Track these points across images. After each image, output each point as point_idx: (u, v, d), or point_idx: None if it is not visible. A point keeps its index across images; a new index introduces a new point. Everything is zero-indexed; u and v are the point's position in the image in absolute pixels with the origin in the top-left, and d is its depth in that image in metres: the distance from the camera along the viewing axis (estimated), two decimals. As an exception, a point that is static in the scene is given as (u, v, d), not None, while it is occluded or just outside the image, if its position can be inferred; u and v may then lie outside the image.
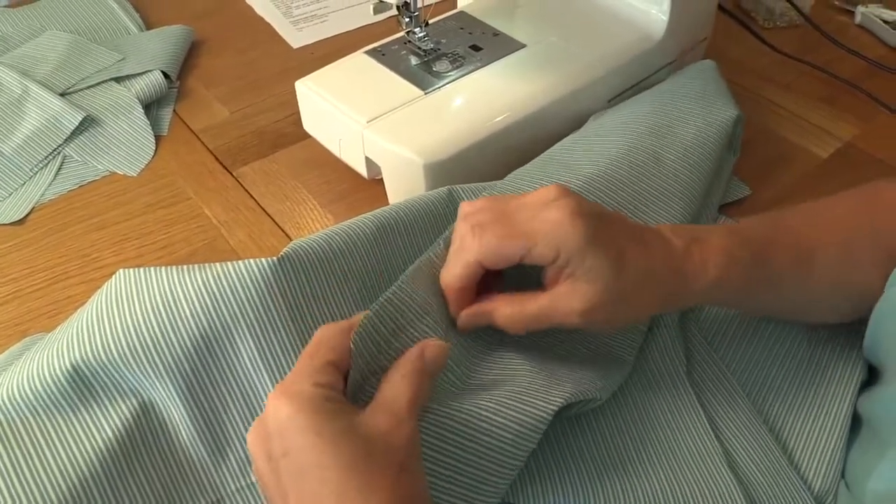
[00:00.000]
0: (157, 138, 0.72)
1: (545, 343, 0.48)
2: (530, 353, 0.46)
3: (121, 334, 0.40)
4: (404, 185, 0.59)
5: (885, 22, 0.85)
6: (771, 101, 0.75)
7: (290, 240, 0.61)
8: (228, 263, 0.42)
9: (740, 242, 0.46)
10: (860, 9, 0.87)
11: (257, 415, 0.42)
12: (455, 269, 0.43)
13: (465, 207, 0.45)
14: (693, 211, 0.55)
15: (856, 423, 0.49)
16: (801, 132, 0.72)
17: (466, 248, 0.43)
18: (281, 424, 0.33)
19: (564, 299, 0.41)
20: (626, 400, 0.48)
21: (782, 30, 0.85)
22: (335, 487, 0.32)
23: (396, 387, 0.36)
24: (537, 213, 0.42)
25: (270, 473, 0.34)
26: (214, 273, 0.41)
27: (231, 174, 0.68)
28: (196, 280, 0.41)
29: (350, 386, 0.37)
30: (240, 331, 0.41)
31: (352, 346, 0.37)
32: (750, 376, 0.51)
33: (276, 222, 0.63)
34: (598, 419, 0.46)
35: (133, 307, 0.41)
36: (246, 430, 0.42)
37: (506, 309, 0.43)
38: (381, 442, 0.34)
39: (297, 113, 0.67)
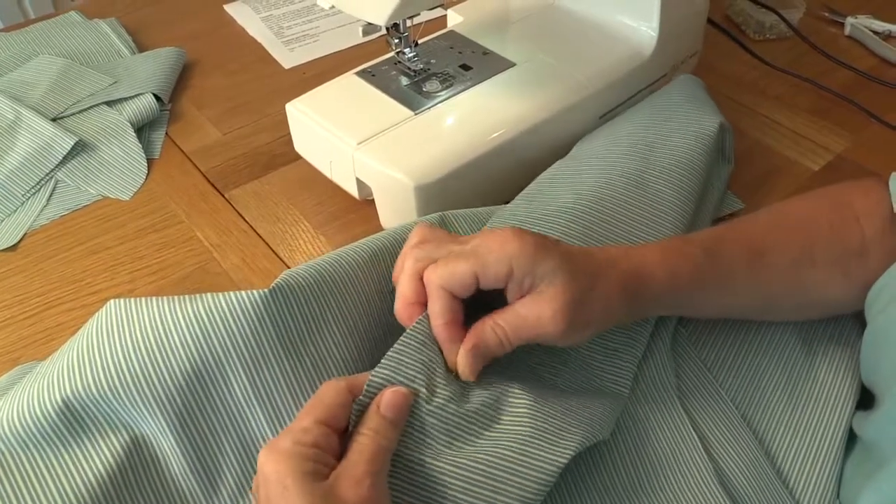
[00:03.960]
0: (150, 161, 0.72)
1: (546, 379, 0.47)
2: (533, 391, 0.44)
3: (111, 368, 0.40)
4: (395, 206, 0.59)
5: (875, 33, 0.86)
6: (762, 114, 0.75)
7: (283, 262, 0.62)
8: (220, 295, 0.42)
9: (689, 241, 0.48)
10: (850, 20, 0.87)
11: (248, 446, 0.42)
12: (434, 318, 0.42)
13: (412, 240, 0.45)
14: (682, 229, 0.55)
15: (851, 441, 0.49)
16: (793, 145, 0.72)
17: (426, 283, 0.42)
18: (265, 477, 0.36)
19: (533, 307, 0.41)
20: (617, 427, 0.48)
21: (772, 42, 0.86)
22: None
23: (356, 446, 0.37)
24: (482, 240, 0.42)
25: None
26: (206, 305, 0.41)
27: (223, 196, 0.68)
28: (187, 312, 0.41)
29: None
30: (231, 363, 0.41)
31: (353, 410, 0.38)
32: (745, 396, 0.51)
33: (268, 244, 0.63)
34: (590, 448, 0.46)
35: (124, 339, 0.40)
36: (238, 463, 0.42)
37: (484, 331, 0.42)
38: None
39: (289, 134, 0.67)
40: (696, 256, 0.47)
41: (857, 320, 0.55)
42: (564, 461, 0.40)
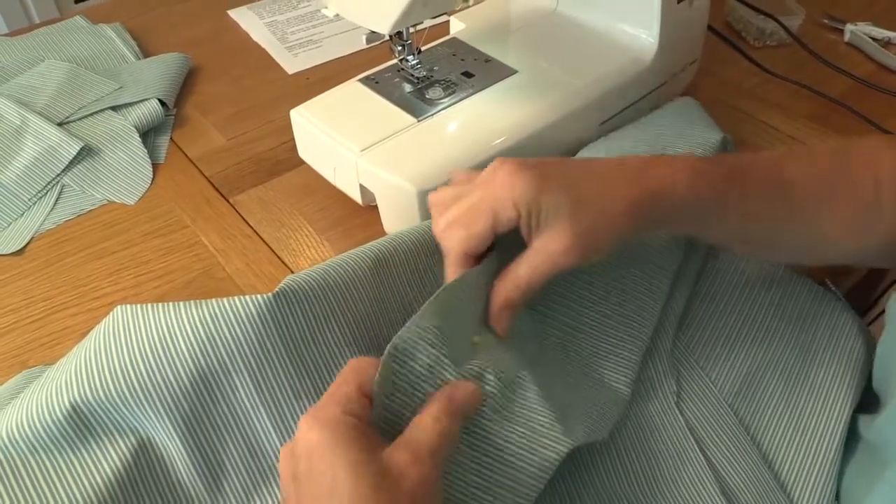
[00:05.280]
0: (155, 166, 0.72)
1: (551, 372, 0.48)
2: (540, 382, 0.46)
3: (118, 373, 0.41)
4: (398, 212, 0.60)
5: (875, 39, 0.86)
6: (761, 121, 0.76)
7: (287, 267, 0.62)
8: (225, 300, 0.42)
9: (710, 161, 0.48)
10: (849, 27, 0.88)
11: (254, 451, 0.43)
12: (450, 270, 0.46)
13: (432, 199, 0.48)
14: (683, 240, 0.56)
15: (852, 443, 0.50)
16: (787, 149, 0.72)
17: (447, 248, 0.46)
18: (308, 447, 0.35)
19: (544, 247, 0.43)
20: (617, 432, 0.48)
21: (772, 49, 0.86)
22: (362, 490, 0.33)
23: (424, 428, 0.37)
24: (487, 188, 0.45)
25: (294, 493, 0.35)
26: (211, 310, 0.42)
27: (228, 202, 0.69)
28: (193, 317, 0.41)
29: (374, 419, 0.38)
30: (237, 368, 0.42)
31: (374, 383, 0.38)
32: (743, 401, 0.51)
33: (272, 249, 0.64)
34: (586, 451, 0.47)
35: (130, 345, 0.41)
36: (244, 466, 0.43)
37: (506, 287, 0.45)
38: (394, 478, 0.34)
39: (293, 139, 0.68)
40: (718, 180, 0.47)
41: (855, 325, 0.56)
42: (565, 451, 0.41)
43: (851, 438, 0.50)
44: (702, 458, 0.47)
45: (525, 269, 0.44)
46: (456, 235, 0.45)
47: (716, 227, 0.49)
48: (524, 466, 0.40)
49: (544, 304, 0.52)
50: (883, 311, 0.87)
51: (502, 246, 0.46)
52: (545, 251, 0.43)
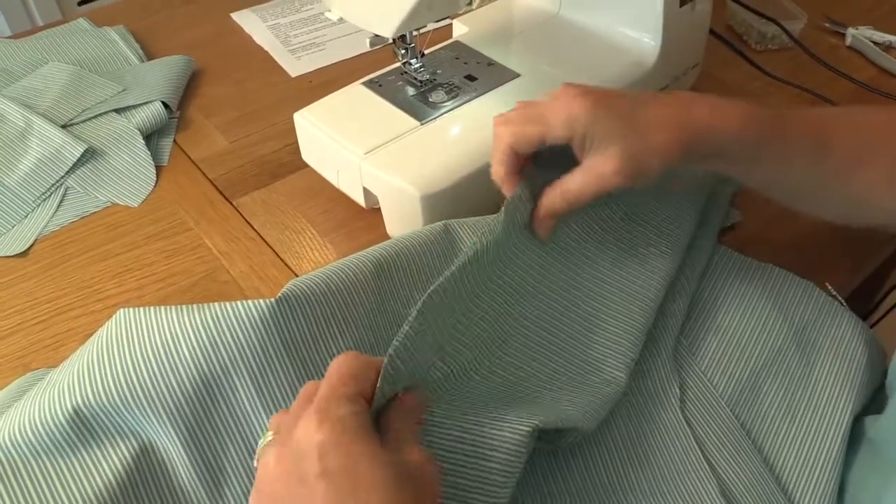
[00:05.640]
0: (158, 169, 0.73)
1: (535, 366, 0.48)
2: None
3: (121, 377, 0.41)
4: (402, 216, 0.60)
5: (876, 44, 0.86)
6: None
7: (290, 269, 0.62)
8: (227, 304, 0.42)
9: (762, 108, 0.50)
10: (851, 31, 0.88)
11: (255, 455, 0.42)
12: (494, 158, 0.50)
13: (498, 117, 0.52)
14: (685, 243, 0.56)
15: (855, 446, 0.50)
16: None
17: (497, 136, 0.50)
18: (321, 446, 0.34)
19: (595, 167, 0.47)
20: (619, 431, 0.48)
21: (774, 53, 0.86)
22: (390, 492, 0.33)
23: (399, 417, 0.38)
24: (548, 104, 0.48)
25: (297, 495, 0.34)
26: (213, 314, 0.42)
27: (231, 204, 0.69)
28: (195, 321, 0.42)
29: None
30: (238, 373, 0.42)
31: (378, 388, 0.38)
32: (744, 404, 0.51)
33: (275, 252, 0.64)
34: (591, 452, 0.47)
35: (133, 349, 0.41)
36: (244, 470, 0.43)
37: (554, 195, 0.49)
38: (418, 471, 0.35)
39: (296, 142, 0.68)
40: (762, 124, 0.49)
41: (857, 330, 0.56)
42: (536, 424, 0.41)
43: (856, 441, 0.50)
44: (704, 462, 0.48)
45: (575, 184, 0.48)
46: (508, 130, 0.49)
47: (755, 172, 0.51)
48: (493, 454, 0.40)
49: (546, 271, 0.52)
50: (886, 314, 0.88)
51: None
52: (596, 171, 0.47)
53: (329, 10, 0.62)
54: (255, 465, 0.38)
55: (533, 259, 0.52)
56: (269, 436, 0.37)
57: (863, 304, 0.91)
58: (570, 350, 0.50)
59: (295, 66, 0.85)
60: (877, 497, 0.45)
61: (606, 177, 0.47)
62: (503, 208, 0.49)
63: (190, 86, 0.83)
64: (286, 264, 0.63)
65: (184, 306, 0.43)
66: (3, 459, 0.41)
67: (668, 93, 0.50)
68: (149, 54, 0.87)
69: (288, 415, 0.37)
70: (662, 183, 0.51)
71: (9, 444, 0.42)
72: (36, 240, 0.66)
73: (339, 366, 0.38)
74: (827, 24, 0.91)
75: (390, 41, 0.63)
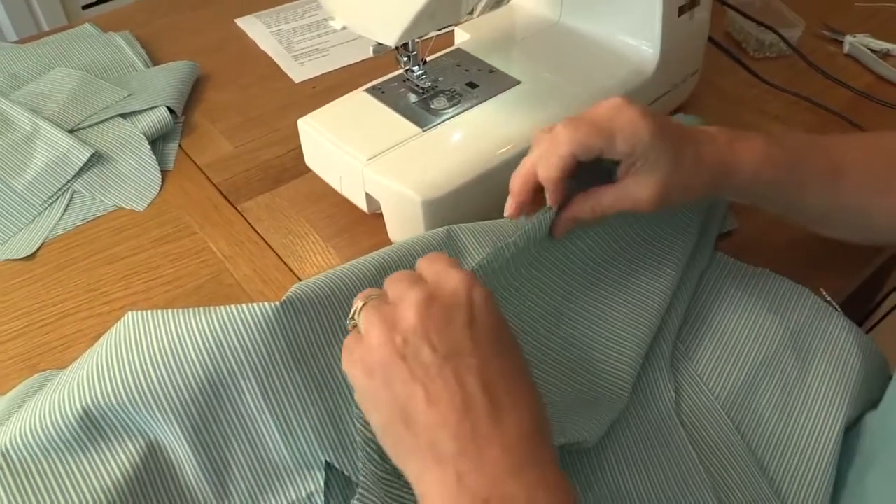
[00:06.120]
0: (164, 173, 0.74)
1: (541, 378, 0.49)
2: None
3: (129, 378, 0.42)
4: (403, 221, 0.61)
5: (873, 51, 0.87)
6: (762, 132, 0.77)
7: (294, 273, 0.63)
8: (233, 307, 0.43)
9: (779, 145, 0.53)
10: (849, 38, 0.89)
11: (261, 456, 0.43)
12: (552, 161, 0.49)
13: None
14: (686, 255, 0.57)
15: (849, 450, 0.50)
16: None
17: (560, 141, 0.49)
18: (474, 301, 0.39)
19: (634, 189, 0.50)
20: (617, 436, 0.49)
21: (772, 60, 0.87)
22: (518, 363, 0.39)
23: None
24: (615, 114, 0.49)
25: (446, 336, 0.37)
26: (219, 317, 0.43)
27: (236, 208, 0.70)
28: (202, 324, 0.43)
29: None
30: (244, 374, 0.43)
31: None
32: (739, 408, 0.52)
33: (279, 256, 0.65)
34: (588, 457, 0.48)
35: (141, 351, 0.42)
36: (250, 470, 0.44)
37: (584, 204, 0.51)
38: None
39: (300, 147, 0.69)
40: (781, 166, 0.52)
41: (851, 335, 0.56)
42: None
43: (854, 441, 0.51)
44: (699, 465, 0.48)
45: (608, 200, 0.51)
46: (572, 137, 0.49)
47: (773, 203, 0.55)
48: None
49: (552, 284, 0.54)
50: (884, 317, 0.88)
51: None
52: (632, 195, 0.50)
53: (332, 19, 0.63)
54: (351, 322, 0.41)
55: (547, 267, 0.53)
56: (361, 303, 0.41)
57: (860, 308, 0.91)
58: (579, 362, 0.51)
59: (298, 72, 0.86)
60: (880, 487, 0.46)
61: (640, 202, 0.50)
62: (537, 215, 0.51)
63: (195, 91, 0.84)
64: (289, 268, 0.64)
65: (190, 309, 0.44)
66: (15, 458, 0.42)
67: (705, 131, 0.53)
68: (154, 59, 0.88)
69: (400, 283, 0.41)
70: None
71: (20, 443, 0.43)
72: (43, 243, 0.67)
73: (444, 255, 0.43)
74: (825, 32, 0.92)
75: (393, 49, 0.64)
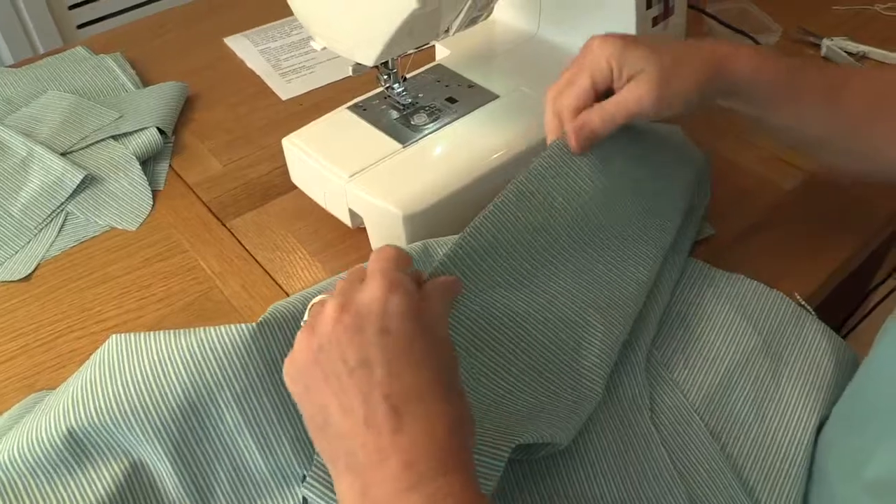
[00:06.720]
0: (155, 193, 0.76)
1: (511, 381, 0.51)
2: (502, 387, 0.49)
3: (112, 400, 0.44)
4: (386, 235, 0.63)
5: (850, 54, 0.89)
6: (735, 135, 0.78)
7: (281, 288, 0.65)
8: (212, 329, 0.45)
9: (778, 53, 0.55)
10: (826, 41, 0.90)
11: (240, 472, 0.45)
12: (568, 128, 0.55)
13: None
14: (659, 257, 0.59)
15: (844, 412, 0.52)
16: (766, 165, 0.75)
17: (555, 112, 0.57)
18: (389, 309, 0.39)
19: (632, 91, 0.53)
20: (591, 441, 0.51)
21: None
22: (432, 372, 0.38)
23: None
24: (583, 56, 0.55)
25: (355, 346, 0.38)
26: (199, 339, 0.45)
27: (224, 226, 0.72)
28: (182, 346, 0.45)
29: None
30: (223, 393, 0.45)
31: None
32: (714, 412, 0.54)
33: (267, 272, 0.67)
34: (562, 462, 0.49)
35: (124, 373, 0.44)
36: (230, 486, 0.46)
37: (591, 114, 0.54)
38: (448, 345, 0.41)
39: (286, 164, 0.71)
40: (780, 67, 0.54)
41: (825, 339, 0.58)
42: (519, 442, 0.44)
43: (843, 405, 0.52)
44: (672, 469, 0.50)
45: (611, 104, 0.54)
46: (565, 102, 0.55)
47: (772, 115, 0.56)
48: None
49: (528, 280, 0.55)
50: (867, 315, 0.90)
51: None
52: (632, 92, 0.53)
53: (314, 40, 0.65)
54: (305, 318, 0.42)
55: (521, 253, 0.54)
56: (318, 298, 0.42)
57: (842, 309, 0.93)
58: (552, 357, 0.52)
59: (286, 89, 0.88)
60: (859, 459, 0.46)
61: (641, 97, 0.52)
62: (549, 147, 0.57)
63: (185, 110, 0.86)
64: (277, 283, 0.66)
65: (171, 331, 0.46)
66: (4, 479, 0.44)
67: (689, 40, 0.56)
68: (145, 80, 0.90)
69: (345, 282, 0.42)
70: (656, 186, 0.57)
71: (8, 464, 0.44)
72: (39, 264, 0.69)
73: (390, 249, 0.43)
74: (802, 36, 0.93)
75: (373, 67, 0.66)
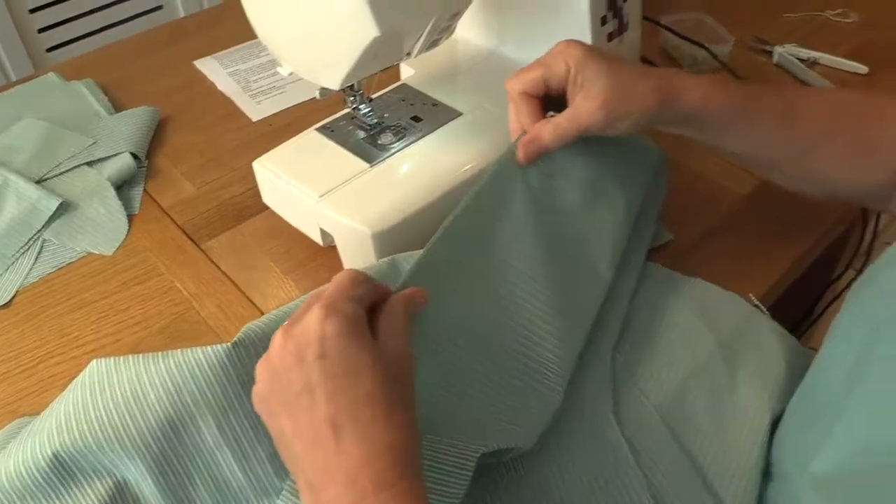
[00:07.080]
0: (130, 217, 0.77)
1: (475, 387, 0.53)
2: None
3: (95, 423, 0.46)
4: (356, 252, 0.65)
5: (801, 60, 0.92)
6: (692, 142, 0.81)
7: (257, 307, 0.67)
8: (189, 351, 0.47)
9: (731, 81, 0.58)
10: (778, 49, 0.94)
11: (220, 488, 0.47)
12: (513, 114, 0.59)
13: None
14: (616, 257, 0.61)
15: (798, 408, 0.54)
16: (721, 171, 0.77)
17: (511, 91, 0.59)
18: (325, 334, 0.40)
19: (583, 104, 0.55)
20: (556, 446, 0.53)
21: (706, 74, 0.92)
22: (368, 389, 0.39)
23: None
24: (547, 54, 0.57)
25: (298, 373, 0.40)
26: (176, 361, 0.47)
27: (199, 248, 0.73)
28: (160, 369, 0.47)
29: None
30: (201, 412, 0.47)
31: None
32: (674, 412, 0.56)
33: (242, 291, 0.69)
34: (529, 466, 0.52)
35: (105, 397, 0.46)
36: (211, 500, 0.47)
37: (545, 126, 0.56)
38: (399, 363, 0.42)
39: (258, 185, 0.73)
40: (733, 94, 0.56)
41: (776, 340, 0.61)
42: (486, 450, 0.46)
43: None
44: (638, 471, 0.52)
45: (563, 118, 0.56)
46: (517, 80, 0.58)
47: (725, 140, 0.58)
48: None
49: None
50: (825, 310, 0.93)
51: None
52: (583, 106, 0.55)
53: (281, 66, 0.67)
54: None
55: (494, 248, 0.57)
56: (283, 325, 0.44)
57: (801, 304, 0.96)
58: (513, 357, 0.54)
59: (256, 110, 0.90)
60: (806, 456, 0.48)
61: (591, 112, 0.54)
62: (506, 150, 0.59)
63: (157, 134, 0.88)
64: (253, 302, 0.67)
65: (150, 354, 0.48)
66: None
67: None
68: (116, 105, 0.92)
69: (299, 310, 0.43)
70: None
71: None
72: (17, 291, 0.70)
73: (345, 274, 0.44)
74: (755, 44, 0.96)
75: (339, 90, 0.68)
